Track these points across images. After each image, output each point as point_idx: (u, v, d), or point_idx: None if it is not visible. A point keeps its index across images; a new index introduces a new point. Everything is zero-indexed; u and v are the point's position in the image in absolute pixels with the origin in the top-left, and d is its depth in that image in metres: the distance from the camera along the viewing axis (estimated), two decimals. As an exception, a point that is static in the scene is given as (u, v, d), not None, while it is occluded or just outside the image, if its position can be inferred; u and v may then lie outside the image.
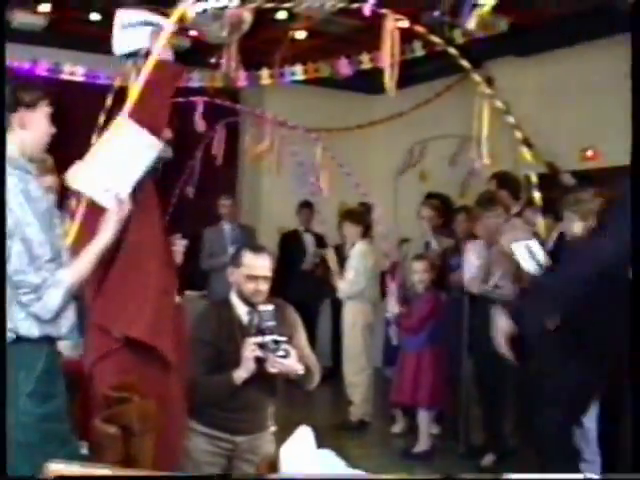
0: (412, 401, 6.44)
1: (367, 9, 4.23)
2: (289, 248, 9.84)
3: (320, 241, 9.41)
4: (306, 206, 9.83)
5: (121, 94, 4.09)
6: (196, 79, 7.53)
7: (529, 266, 5.57)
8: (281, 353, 3.91)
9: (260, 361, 3.97)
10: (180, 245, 3.89)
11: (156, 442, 2.94)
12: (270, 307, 4.00)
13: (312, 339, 6.32)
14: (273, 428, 4.31)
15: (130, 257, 3.36)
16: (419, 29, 5.03)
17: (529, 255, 6.02)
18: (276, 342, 3.91)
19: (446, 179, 9.39)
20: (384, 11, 4.76)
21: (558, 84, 8.56)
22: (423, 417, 6.42)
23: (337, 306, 8.21)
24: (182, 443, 3.70)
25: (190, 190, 8.84)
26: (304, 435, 2.44)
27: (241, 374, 4.00)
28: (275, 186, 10.02)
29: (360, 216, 7.54)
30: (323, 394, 9.20)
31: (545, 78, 8.82)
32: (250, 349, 3.96)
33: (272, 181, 9.93)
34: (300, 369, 4.02)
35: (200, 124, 7.82)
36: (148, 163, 3.39)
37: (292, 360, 3.97)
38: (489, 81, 8.83)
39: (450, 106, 9.11)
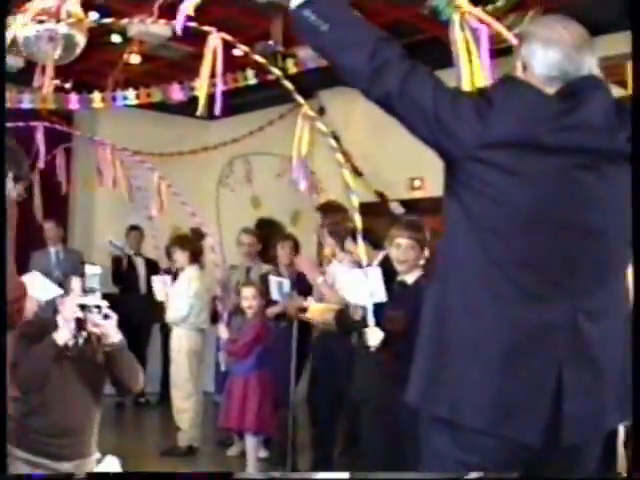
0: (239, 426, 6.45)
1: (179, 26, 4.20)
2: (120, 271, 9.79)
3: (154, 266, 9.36)
4: (134, 229, 9.86)
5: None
6: (27, 100, 7.35)
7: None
8: (103, 313, 3.87)
9: (80, 324, 3.92)
10: None
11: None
12: (97, 270, 3.98)
13: (142, 363, 6.28)
14: (98, 455, 4.24)
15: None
16: (256, 57, 5.09)
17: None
18: (98, 306, 3.87)
19: (280, 206, 9.51)
20: (206, 28, 4.78)
21: (386, 115, 8.79)
22: (250, 442, 6.44)
23: (167, 331, 8.19)
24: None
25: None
26: (110, 464, 2.43)
27: (62, 335, 3.91)
28: (109, 210, 9.92)
29: (188, 242, 7.55)
30: (152, 419, 9.13)
31: (374, 108, 9.05)
32: (71, 310, 3.90)
33: (106, 205, 9.82)
34: (118, 338, 3.98)
35: (41, 149, 7.63)
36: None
37: (112, 324, 3.92)
38: (321, 111, 9.07)
39: (282, 133, 9.25)
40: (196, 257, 7.48)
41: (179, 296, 7.31)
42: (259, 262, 7.74)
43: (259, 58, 5.12)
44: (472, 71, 3.60)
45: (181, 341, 7.33)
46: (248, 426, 6.36)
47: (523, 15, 6.95)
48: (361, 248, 4.62)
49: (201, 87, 4.94)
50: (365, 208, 6.40)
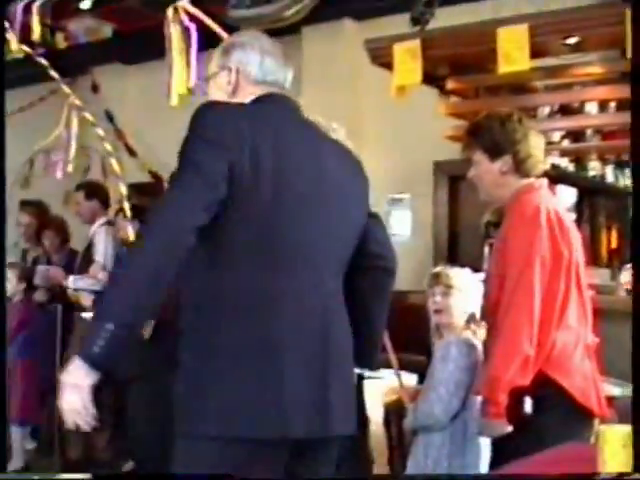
0: (2, 417, 6.17)
1: None
2: None
3: None
4: None
5: None
6: None
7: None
8: None
9: None
10: None
11: None
12: None
13: None
14: None
15: None
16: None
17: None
18: None
19: (49, 188, 9.14)
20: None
21: (162, 92, 8.63)
22: (15, 433, 6.18)
23: None
24: None
25: None
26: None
27: None
28: None
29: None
30: None
31: (149, 86, 8.88)
32: None
33: None
34: None
35: None
36: None
37: None
38: (94, 87, 8.78)
39: (54, 110, 8.89)
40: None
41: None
42: (35, 244, 7.36)
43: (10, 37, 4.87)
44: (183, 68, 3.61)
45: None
46: (13, 417, 6.09)
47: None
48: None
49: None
50: (139, 188, 6.28)
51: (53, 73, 4.81)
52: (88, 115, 4.87)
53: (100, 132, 4.83)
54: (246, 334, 2.26)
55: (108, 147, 4.74)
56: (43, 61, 4.81)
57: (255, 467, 2.26)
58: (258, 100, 2.43)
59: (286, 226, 2.31)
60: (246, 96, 2.45)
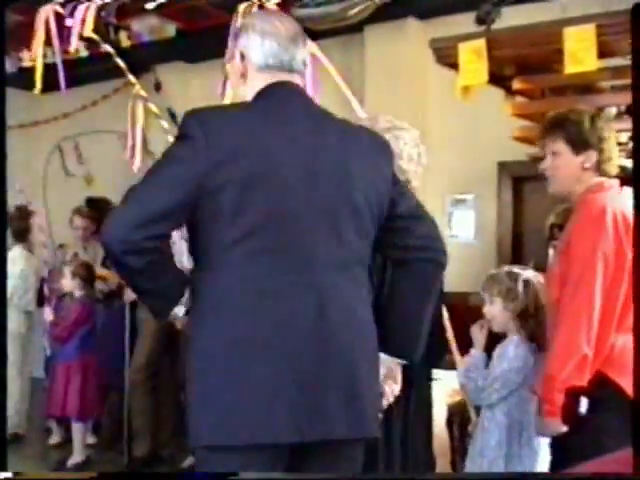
0: (63, 412, 6.24)
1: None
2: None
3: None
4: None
5: None
6: None
7: None
8: None
9: None
10: None
11: None
12: None
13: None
14: None
15: None
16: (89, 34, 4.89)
17: None
18: None
19: (115, 183, 9.24)
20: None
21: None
22: (76, 428, 6.24)
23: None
24: None
25: None
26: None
27: None
28: None
29: (11, 220, 7.19)
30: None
31: (211, 83, 8.92)
32: None
33: None
34: None
35: None
36: None
37: None
38: (157, 86, 8.85)
39: (117, 108, 8.98)
40: (21, 236, 7.16)
41: (1, 275, 6.98)
42: (94, 242, 7.44)
43: (91, 34, 4.92)
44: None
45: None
46: (71, 412, 6.16)
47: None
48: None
49: (36, 58, 4.72)
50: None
51: (120, 62, 4.83)
52: (152, 106, 4.89)
53: (165, 124, 4.85)
54: (231, 336, 2.25)
55: (172, 141, 4.75)
56: (109, 49, 4.83)
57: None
58: (258, 96, 2.42)
59: (268, 223, 2.28)
60: (253, 84, 2.45)
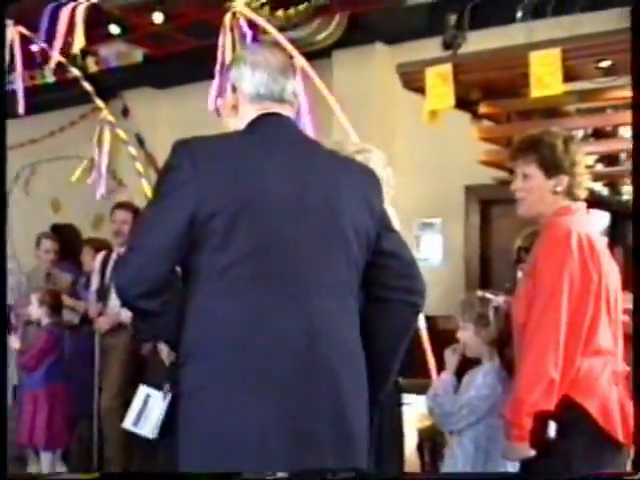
0: (30, 442, 6.15)
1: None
2: None
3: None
4: None
5: None
6: None
7: None
8: None
9: None
10: None
11: None
12: None
13: None
14: None
15: None
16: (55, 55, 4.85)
17: None
18: None
19: (81, 210, 9.19)
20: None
21: (193, 117, 8.69)
22: (44, 458, 6.16)
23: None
24: None
25: None
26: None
27: None
28: None
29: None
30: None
31: (179, 109, 8.92)
32: None
33: None
34: None
35: None
36: None
37: None
38: (125, 111, 8.83)
39: (84, 134, 8.95)
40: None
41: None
42: (58, 269, 7.36)
43: (58, 57, 4.89)
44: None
45: (-29, 351, 6.94)
46: (38, 442, 6.08)
47: (329, 21, 7.04)
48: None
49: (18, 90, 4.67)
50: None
51: (87, 86, 4.79)
52: (121, 132, 4.86)
53: (132, 151, 4.82)
54: (219, 363, 2.23)
55: (139, 167, 4.72)
56: (77, 72, 4.79)
57: None
58: (249, 127, 2.44)
59: (257, 250, 2.27)
60: (244, 115, 2.46)
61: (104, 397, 6.09)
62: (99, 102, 4.84)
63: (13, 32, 4.51)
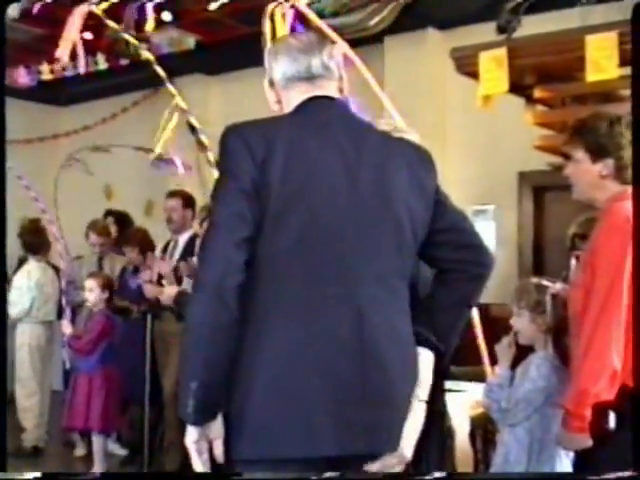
0: (84, 425, 6.22)
1: (36, 7, 3.97)
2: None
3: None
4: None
5: None
6: None
7: None
8: None
9: None
10: None
11: None
12: None
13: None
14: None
15: None
16: (128, 38, 4.84)
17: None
18: None
19: (133, 196, 9.26)
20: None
21: (245, 103, 8.70)
22: (97, 441, 6.22)
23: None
24: None
25: None
26: None
27: None
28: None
29: (25, 232, 7.19)
30: (-2, 419, 8.71)
31: (231, 97, 8.94)
32: None
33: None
34: None
35: None
36: None
37: None
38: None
39: (136, 121, 9.01)
40: (34, 249, 7.15)
41: (19, 289, 7.01)
42: (112, 253, 7.45)
43: (131, 39, 4.90)
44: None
45: (23, 336, 7.02)
46: (93, 425, 6.14)
47: (382, 7, 6.99)
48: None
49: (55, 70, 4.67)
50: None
51: (159, 70, 4.77)
52: (193, 120, 4.83)
53: (204, 139, 4.79)
54: (270, 350, 2.22)
55: (210, 156, 4.69)
56: (149, 55, 4.76)
57: None
58: (296, 110, 2.44)
59: (309, 234, 2.25)
60: (288, 103, 2.48)
61: (166, 383, 6.11)
62: (171, 88, 4.82)
63: (84, 10, 4.45)
